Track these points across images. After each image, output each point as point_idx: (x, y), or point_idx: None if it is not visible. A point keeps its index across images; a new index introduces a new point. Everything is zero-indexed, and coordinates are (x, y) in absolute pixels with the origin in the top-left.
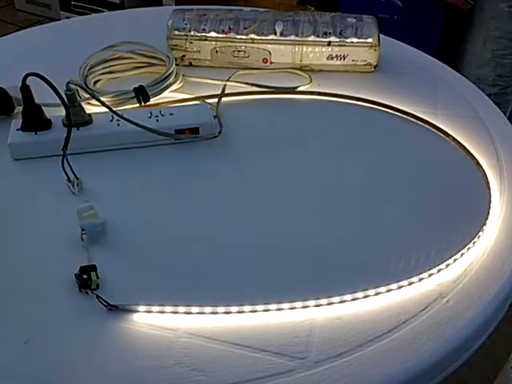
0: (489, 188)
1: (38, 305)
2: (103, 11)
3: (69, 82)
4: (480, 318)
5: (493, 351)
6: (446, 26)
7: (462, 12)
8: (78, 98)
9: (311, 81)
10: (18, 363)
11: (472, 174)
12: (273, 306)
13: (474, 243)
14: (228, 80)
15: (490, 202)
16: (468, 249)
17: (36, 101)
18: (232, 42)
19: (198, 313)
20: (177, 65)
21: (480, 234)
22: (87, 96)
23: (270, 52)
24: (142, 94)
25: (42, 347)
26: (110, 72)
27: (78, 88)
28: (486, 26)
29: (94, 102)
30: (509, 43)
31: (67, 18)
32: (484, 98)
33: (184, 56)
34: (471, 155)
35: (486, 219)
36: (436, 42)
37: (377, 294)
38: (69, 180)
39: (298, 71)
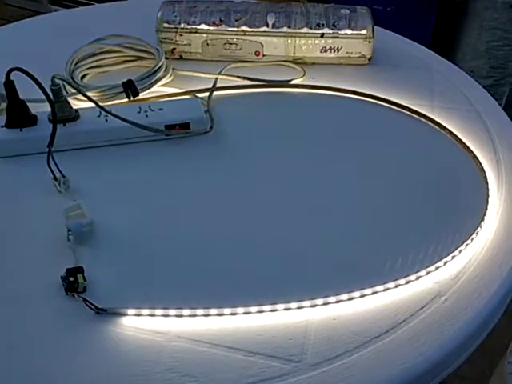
0: (486, 182)
1: (23, 308)
2: (93, 4)
3: (54, 77)
4: (479, 317)
5: (490, 346)
6: (440, 18)
7: (456, 3)
8: (65, 93)
9: (304, 74)
10: (2, 369)
11: (469, 168)
12: (267, 307)
13: (472, 239)
14: (219, 73)
15: (488, 196)
16: (466, 245)
17: (21, 96)
18: (223, 34)
19: (189, 315)
20: (167, 58)
21: (478, 229)
22: (74, 91)
23: (262, 44)
24: (130, 89)
25: (26, 352)
26: (98, 66)
27: (65, 83)
28: (480, 17)
29: (81, 97)
30: (503, 34)
31: (56, 11)
32: (480, 90)
33: (174, 49)
34: (468, 149)
35: (484, 214)
36: (430, 33)
37: (374, 293)
38: (55, 178)
39: (291, 64)
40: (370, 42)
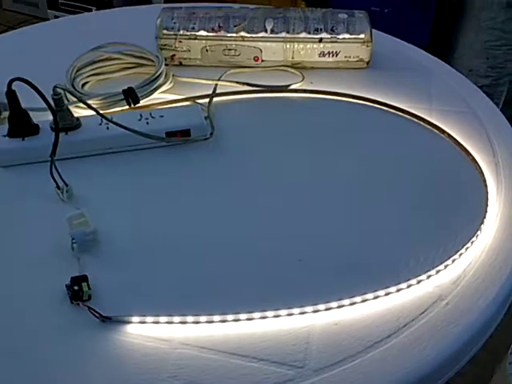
0: (486, 185)
1: (28, 317)
2: (91, 9)
3: (55, 86)
4: (480, 320)
5: (492, 345)
6: (437, 18)
7: (454, 3)
8: (66, 102)
9: (303, 78)
10: (8, 376)
11: (468, 171)
12: (270, 313)
13: (472, 243)
14: (219, 79)
15: (488, 199)
16: (466, 249)
17: (22, 105)
18: (222, 40)
19: (193, 322)
20: (166, 65)
21: (478, 233)
22: (75, 99)
23: (260, 50)
24: (131, 96)
25: (32, 361)
26: (99, 73)
27: (66, 91)
28: (477, 17)
29: (82, 105)
30: (500, 34)
31: (55, 16)
32: (479, 92)
33: (174, 56)
34: (467, 152)
35: (484, 217)
36: (428, 34)
37: (375, 297)
38: (58, 187)
39: (289, 69)
40: (368, 46)
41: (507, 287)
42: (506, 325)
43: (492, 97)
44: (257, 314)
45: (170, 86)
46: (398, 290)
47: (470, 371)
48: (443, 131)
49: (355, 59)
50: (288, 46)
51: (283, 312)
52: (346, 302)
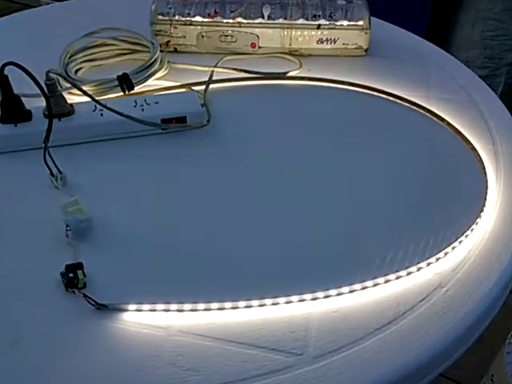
0: (485, 173)
1: (23, 305)
2: None
3: (49, 71)
4: (480, 307)
5: (488, 336)
6: (435, 8)
7: None
8: (59, 88)
9: (301, 65)
10: (3, 366)
11: (468, 159)
12: (268, 301)
13: (472, 230)
14: (215, 66)
15: (487, 187)
16: (466, 236)
17: (15, 91)
18: (218, 26)
19: (190, 310)
20: (161, 51)
21: (478, 220)
22: (68, 85)
23: (258, 36)
24: (125, 83)
25: (27, 349)
26: (92, 59)
27: (59, 77)
28: (474, 8)
29: (75, 91)
30: (497, 24)
31: (47, 4)
32: (477, 80)
33: (169, 42)
34: (466, 140)
35: (484, 205)
36: (425, 24)
37: (375, 285)
38: (51, 174)
39: (287, 56)
40: (366, 33)
41: (507, 274)
42: (502, 318)
43: (489, 87)
44: (255, 302)
45: (165, 73)
46: (398, 278)
47: (467, 364)
48: (442, 119)
49: (354, 46)
50: (285, 32)
51: (282, 300)
52: (346, 289)
